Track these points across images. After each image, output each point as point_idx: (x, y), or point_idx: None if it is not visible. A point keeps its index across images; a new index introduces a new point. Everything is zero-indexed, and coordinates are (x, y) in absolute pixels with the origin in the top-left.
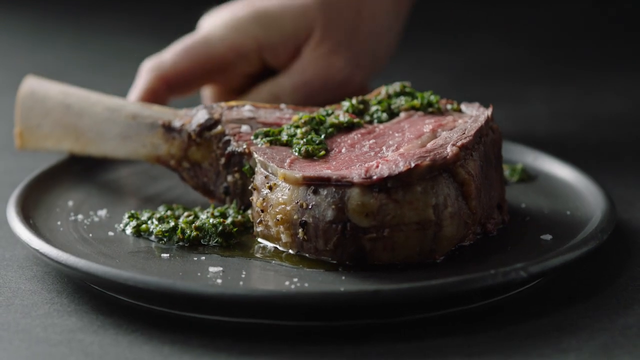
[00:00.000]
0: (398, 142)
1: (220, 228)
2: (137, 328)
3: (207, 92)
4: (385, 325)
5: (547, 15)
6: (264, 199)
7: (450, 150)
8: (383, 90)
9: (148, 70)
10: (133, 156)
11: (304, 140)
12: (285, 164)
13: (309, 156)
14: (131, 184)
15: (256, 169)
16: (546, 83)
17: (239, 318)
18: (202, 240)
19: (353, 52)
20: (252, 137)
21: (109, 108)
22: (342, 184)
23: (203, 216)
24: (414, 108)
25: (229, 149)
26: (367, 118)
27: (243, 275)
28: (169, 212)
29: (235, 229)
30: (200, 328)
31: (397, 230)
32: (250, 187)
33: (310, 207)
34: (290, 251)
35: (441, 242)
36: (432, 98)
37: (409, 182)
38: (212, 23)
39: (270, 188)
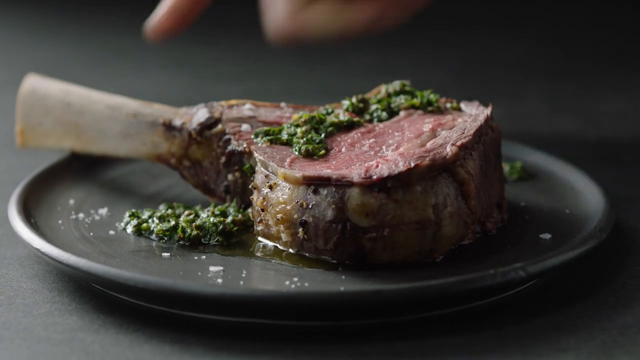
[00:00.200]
0: (398, 141)
1: (220, 227)
2: (138, 327)
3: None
4: (385, 324)
5: (547, 12)
6: (264, 198)
7: (449, 150)
8: (383, 89)
9: None
10: (134, 154)
11: (304, 139)
12: (286, 164)
13: (309, 155)
14: (132, 182)
15: (256, 168)
16: (545, 80)
17: (239, 318)
18: (202, 239)
19: None
20: (252, 136)
21: (109, 106)
22: (342, 184)
23: (203, 215)
24: (414, 107)
25: (230, 147)
26: (367, 117)
27: (243, 275)
28: (169, 211)
29: (235, 228)
30: (201, 327)
31: (397, 230)
32: (250, 186)
33: (310, 206)
34: (291, 250)
35: (441, 241)
36: (432, 97)
37: (408, 181)
38: None
39: (271, 187)
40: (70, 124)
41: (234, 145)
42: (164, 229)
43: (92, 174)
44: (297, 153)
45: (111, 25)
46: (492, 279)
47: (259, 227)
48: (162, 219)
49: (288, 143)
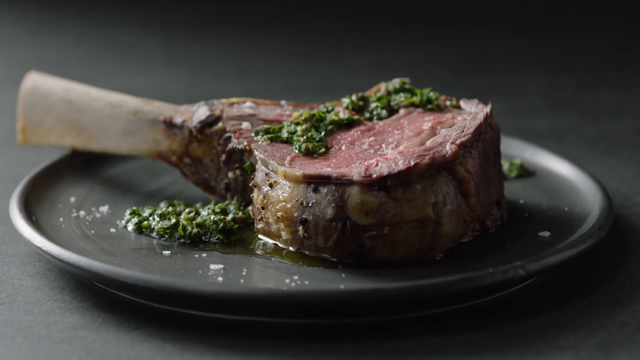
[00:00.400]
0: (397, 139)
1: (221, 225)
2: (139, 325)
3: None
4: (385, 323)
5: (545, 7)
6: (264, 196)
7: (449, 148)
8: (382, 87)
9: None
10: (135, 152)
11: (304, 137)
12: (286, 162)
13: (309, 153)
14: (133, 179)
15: (257, 166)
16: (544, 75)
17: (239, 316)
18: (203, 237)
19: None
20: (252, 134)
21: (110, 104)
22: (342, 182)
23: (204, 213)
24: (414, 105)
25: (230, 145)
26: (367, 115)
27: (244, 273)
28: (170, 209)
29: (236, 226)
30: (202, 326)
31: (397, 228)
32: (251, 184)
33: (310, 204)
34: (291, 248)
35: (440, 239)
36: (432, 95)
37: (408, 180)
38: None
39: (271, 185)
40: (71, 122)
41: (234, 143)
42: (165, 226)
43: (93, 172)
44: (297, 151)
45: (112, 22)
46: (491, 277)
47: (260, 225)
48: (162, 216)
49: (288, 141)
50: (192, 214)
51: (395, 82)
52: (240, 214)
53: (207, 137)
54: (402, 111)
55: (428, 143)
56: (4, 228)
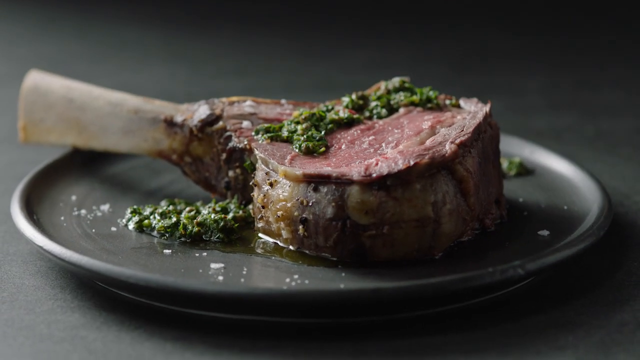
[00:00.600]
0: (397, 138)
1: (221, 224)
2: (140, 325)
3: None
4: (385, 322)
5: (545, 5)
6: (264, 195)
7: (448, 148)
8: (382, 86)
9: None
10: (135, 150)
11: (305, 136)
12: (286, 161)
13: (309, 153)
14: (133, 177)
15: (257, 165)
16: (543, 74)
17: (240, 315)
18: (203, 236)
19: None
20: (253, 133)
21: (111, 102)
22: (342, 182)
23: (205, 211)
24: (413, 104)
25: (230, 144)
26: (367, 114)
27: (244, 272)
28: (170, 207)
29: (236, 225)
30: (202, 325)
31: (397, 228)
32: (251, 183)
33: (310, 204)
34: (291, 247)
35: (440, 238)
36: (431, 94)
37: (408, 179)
38: None
39: (271, 184)
40: (72, 120)
41: (234, 142)
42: (166, 225)
43: (94, 170)
44: (297, 150)
45: (113, 19)
46: (490, 276)
47: (260, 224)
48: (163, 215)
49: (288, 140)
50: (192, 213)
51: (395, 81)
52: (241, 212)
53: (208, 136)
54: (401, 110)
55: (428, 142)
56: (5, 227)
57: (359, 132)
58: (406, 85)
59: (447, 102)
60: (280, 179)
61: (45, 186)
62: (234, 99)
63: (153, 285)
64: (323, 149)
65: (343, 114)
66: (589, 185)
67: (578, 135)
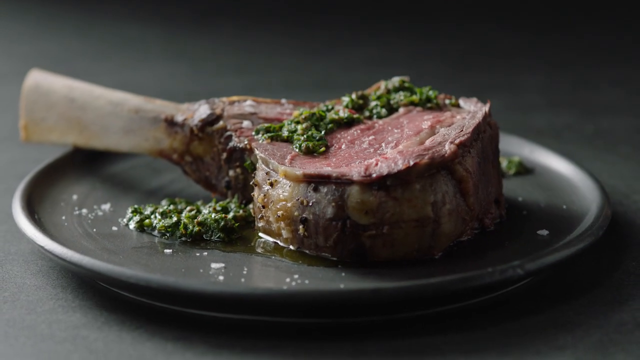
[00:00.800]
0: (397, 138)
1: (222, 223)
2: (141, 324)
3: None
4: (385, 322)
5: (544, 3)
6: (265, 195)
7: (448, 148)
8: (382, 85)
9: None
10: (136, 150)
11: (305, 136)
12: (286, 161)
13: (309, 152)
14: (134, 176)
15: (257, 165)
16: (543, 72)
17: (241, 315)
18: (204, 235)
19: None
20: (253, 133)
21: (111, 102)
22: (342, 182)
23: (205, 211)
24: (413, 103)
25: (231, 144)
26: (367, 113)
27: (244, 272)
28: (171, 207)
29: (237, 224)
30: (203, 325)
31: (396, 228)
32: (251, 183)
33: (310, 204)
34: (291, 247)
35: (439, 238)
36: (431, 93)
37: (407, 180)
38: None
39: (272, 184)
40: (73, 120)
41: (235, 142)
42: (166, 225)
43: (95, 169)
44: (297, 150)
45: (114, 16)
46: (490, 277)
47: (260, 224)
48: (164, 215)
49: (289, 140)
50: (193, 212)
51: (395, 81)
52: (241, 212)
53: (208, 136)
54: (401, 110)
55: (427, 142)
56: (7, 226)
57: (358, 131)
58: (406, 84)
59: (447, 101)
60: (281, 179)
61: (46, 185)
62: (235, 98)
63: (154, 285)
64: (323, 148)
65: (343, 113)
66: (588, 184)
67: (577, 134)
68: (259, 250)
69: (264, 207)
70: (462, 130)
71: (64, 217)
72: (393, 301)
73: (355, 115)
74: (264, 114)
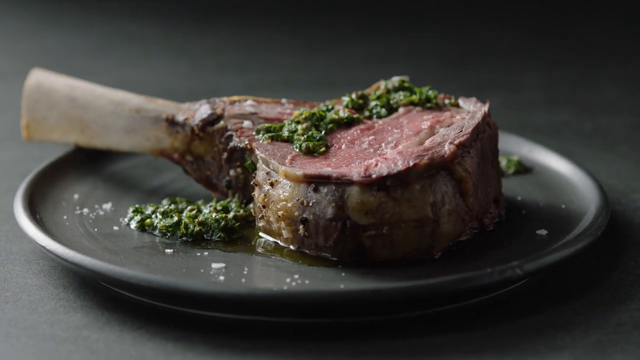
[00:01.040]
0: (397, 138)
1: (222, 223)
2: (142, 325)
3: None
4: (385, 322)
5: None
6: (265, 195)
7: (448, 148)
8: (382, 85)
9: None
10: (137, 149)
11: (305, 136)
12: (287, 161)
13: (309, 152)
14: (135, 176)
15: (258, 165)
16: (542, 70)
17: (241, 315)
18: (205, 235)
19: None
20: (253, 133)
21: (113, 102)
22: (342, 182)
23: (206, 210)
24: (413, 103)
25: (231, 144)
26: (367, 113)
27: (245, 272)
28: (172, 206)
29: (237, 224)
30: (204, 325)
31: (396, 228)
32: (252, 183)
33: (310, 204)
34: (291, 247)
35: (439, 238)
36: (430, 93)
37: (407, 180)
38: None
39: (272, 184)
40: (74, 119)
41: (235, 142)
42: (167, 224)
43: (96, 168)
44: (297, 150)
45: (115, 14)
46: (489, 277)
47: (261, 223)
48: (165, 214)
49: (289, 140)
50: (194, 212)
51: (395, 81)
52: (242, 211)
53: (209, 135)
54: (401, 110)
55: (427, 143)
56: (8, 225)
57: (358, 132)
58: (405, 84)
59: (446, 101)
60: (281, 179)
61: (47, 185)
62: (235, 98)
63: (155, 285)
64: (323, 148)
65: (343, 113)
66: (587, 184)
67: (576, 132)
68: (260, 250)
69: (264, 207)
70: (461, 131)
71: (65, 217)
72: (393, 301)
73: (355, 115)
74: (265, 113)
